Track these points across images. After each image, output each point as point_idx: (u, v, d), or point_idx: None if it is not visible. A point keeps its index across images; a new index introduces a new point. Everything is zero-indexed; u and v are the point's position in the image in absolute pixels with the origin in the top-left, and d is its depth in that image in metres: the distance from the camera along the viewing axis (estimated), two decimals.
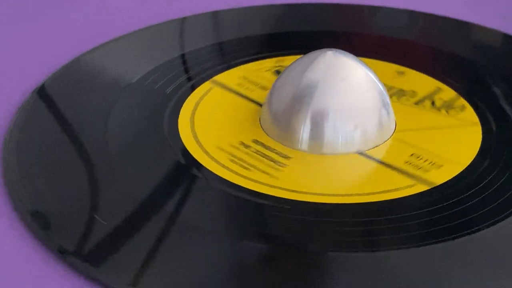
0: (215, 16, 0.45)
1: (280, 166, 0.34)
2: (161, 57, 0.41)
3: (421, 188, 0.33)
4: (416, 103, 0.38)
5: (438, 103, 0.38)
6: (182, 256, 0.29)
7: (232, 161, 0.34)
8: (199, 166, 0.33)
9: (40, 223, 0.30)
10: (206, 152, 0.34)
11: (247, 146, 0.35)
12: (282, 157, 0.34)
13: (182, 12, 0.46)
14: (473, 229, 0.30)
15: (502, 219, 0.31)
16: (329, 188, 0.33)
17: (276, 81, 0.36)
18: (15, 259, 0.30)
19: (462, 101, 0.38)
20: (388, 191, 0.32)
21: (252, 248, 0.30)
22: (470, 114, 0.37)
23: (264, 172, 0.33)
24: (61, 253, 0.29)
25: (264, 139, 0.35)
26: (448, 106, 0.37)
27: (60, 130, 0.36)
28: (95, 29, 0.44)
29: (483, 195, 0.32)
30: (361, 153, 0.35)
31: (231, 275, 0.29)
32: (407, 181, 0.33)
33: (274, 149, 0.35)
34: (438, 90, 0.39)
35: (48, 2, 0.47)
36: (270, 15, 0.46)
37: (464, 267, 0.29)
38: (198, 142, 0.35)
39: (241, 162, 0.34)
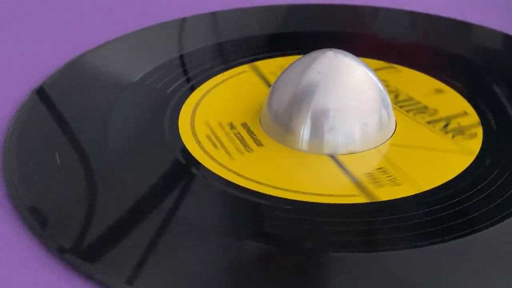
0: (215, 16, 0.45)
1: (247, 150, 0.34)
2: (162, 57, 0.41)
3: (359, 200, 0.32)
4: (429, 123, 0.37)
5: (451, 126, 0.36)
6: (179, 255, 0.29)
7: (207, 136, 0.34)
8: (199, 166, 0.33)
9: (39, 221, 0.30)
10: (205, 151, 0.34)
11: (232, 127, 0.35)
12: (256, 143, 0.34)
13: (182, 12, 0.46)
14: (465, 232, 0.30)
15: (503, 219, 0.31)
16: (268, 179, 0.33)
17: (276, 81, 0.36)
18: (13, 256, 0.30)
19: (478, 129, 0.36)
20: (325, 195, 0.32)
21: (249, 246, 0.30)
22: (474, 143, 0.35)
23: (227, 153, 0.34)
24: (59, 251, 0.29)
25: (254, 124, 0.36)
26: (459, 132, 0.36)
27: (60, 130, 0.36)
28: (95, 29, 0.44)
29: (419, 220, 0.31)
30: (331, 156, 0.34)
31: (228, 273, 0.29)
32: (353, 190, 0.32)
33: (255, 135, 0.35)
34: (464, 114, 0.37)
35: (48, 2, 0.47)
36: (270, 16, 0.46)
37: (463, 267, 0.29)
38: (198, 142, 0.35)
39: (214, 140, 0.34)
